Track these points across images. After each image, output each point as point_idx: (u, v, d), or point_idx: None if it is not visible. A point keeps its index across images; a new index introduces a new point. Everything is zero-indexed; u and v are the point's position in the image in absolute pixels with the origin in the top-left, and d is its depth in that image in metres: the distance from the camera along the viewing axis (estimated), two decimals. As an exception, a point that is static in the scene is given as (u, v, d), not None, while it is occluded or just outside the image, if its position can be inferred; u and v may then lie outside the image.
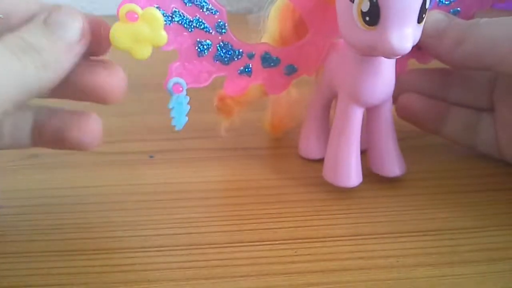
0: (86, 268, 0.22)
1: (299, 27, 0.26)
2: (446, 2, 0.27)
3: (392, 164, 0.26)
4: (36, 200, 0.26)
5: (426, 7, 0.21)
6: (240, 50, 0.24)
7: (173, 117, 0.24)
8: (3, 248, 0.23)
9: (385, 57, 0.22)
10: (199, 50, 0.23)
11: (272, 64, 0.25)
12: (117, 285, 0.21)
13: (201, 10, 0.23)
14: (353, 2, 0.21)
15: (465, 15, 0.27)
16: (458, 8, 0.27)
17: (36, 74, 0.18)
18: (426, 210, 0.25)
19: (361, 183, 0.27)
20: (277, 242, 0.23)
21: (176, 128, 0.24)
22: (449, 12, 0.27)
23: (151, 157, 0.31)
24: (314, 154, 0.29)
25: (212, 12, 0.23)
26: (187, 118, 0.24)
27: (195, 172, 0.29)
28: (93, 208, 0.26)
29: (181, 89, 0.23)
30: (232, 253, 0.22)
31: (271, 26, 0.27)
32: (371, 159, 0.27)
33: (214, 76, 0.25)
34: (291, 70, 0.26)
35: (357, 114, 0.25)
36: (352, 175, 0.25)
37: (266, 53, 0.25)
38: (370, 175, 0.28)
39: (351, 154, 0.25)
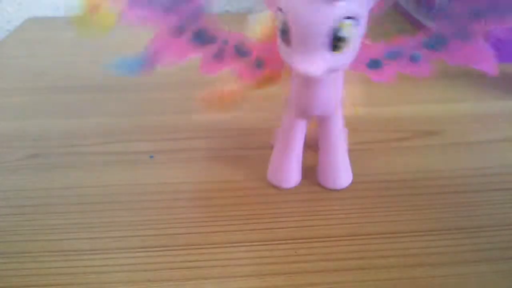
0: (86, 268, 0.22)
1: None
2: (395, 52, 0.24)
3: (336, 177, 0.27)
4: (36, 200, 0.26)
5: (342, 36, 0.20)
6: (215, 36, 0.25)
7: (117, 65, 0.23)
8: (3, 248, 0.23)
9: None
10: (176, 32, 0.24)
11: (244, 54, 0.26)
12: (117, 285, 0.21)
13: None
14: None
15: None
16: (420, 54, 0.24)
17: None
18: (425, 210, 0.25)
19: (361, 184, 0.27)
20: (277, 242, 0.23)
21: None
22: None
23: (151, 157, 0.31)
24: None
25: None
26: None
27: (195, 172, 0.29)
28: (93, 208, 0.26)
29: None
30: (232, 253, 0.22)
31: (254, 30, 0.27)
32: (318, 171, 0.27)
33: (189, 56, 0.25)
34: (260, 64, 0.26)
35: (298, 124, 0.26)
36: (289, 179, 0.27)
37: (240, 42, 0.25)
38: (372, 175, 0.28)
39: (289, 160, 0.26)
